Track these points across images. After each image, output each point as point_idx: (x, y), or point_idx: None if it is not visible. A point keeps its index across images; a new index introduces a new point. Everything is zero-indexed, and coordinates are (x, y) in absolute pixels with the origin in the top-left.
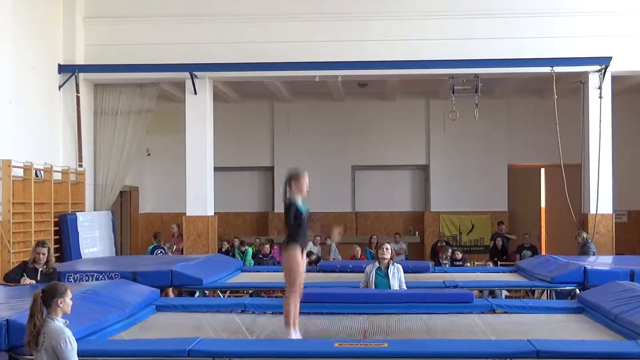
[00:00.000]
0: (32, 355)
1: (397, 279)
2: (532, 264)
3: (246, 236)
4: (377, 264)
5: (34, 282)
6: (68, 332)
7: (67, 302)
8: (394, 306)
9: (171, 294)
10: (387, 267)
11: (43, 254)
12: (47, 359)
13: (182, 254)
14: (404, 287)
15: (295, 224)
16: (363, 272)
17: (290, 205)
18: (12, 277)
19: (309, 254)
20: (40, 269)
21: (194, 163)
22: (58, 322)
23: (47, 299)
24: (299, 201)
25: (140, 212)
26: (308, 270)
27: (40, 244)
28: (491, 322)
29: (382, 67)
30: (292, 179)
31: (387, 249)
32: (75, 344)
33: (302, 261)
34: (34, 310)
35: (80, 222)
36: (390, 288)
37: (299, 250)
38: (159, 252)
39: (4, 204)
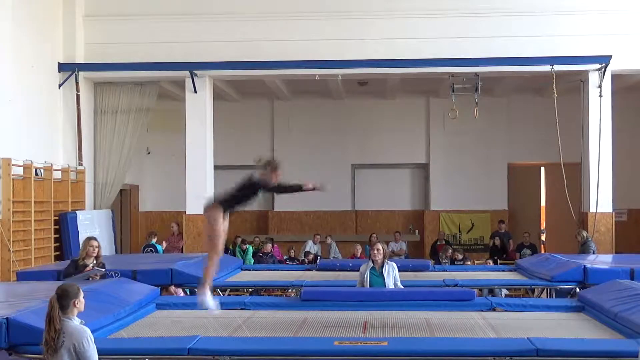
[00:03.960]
0: (40, 355)
1: (392, 277)
2: (532, 262)
3: (246, 235)
4: (371, 264)
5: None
6: (88, 332)
7: (81, 300)
8: (395, 304)
9: (176, 292)
10: (382, 266)
11: (97, 247)
12: (67, 358)
13: (182, 252)
14: (400, 285)
15: (239, 194)
16: None
17: (251, 181)
18: (71, 272)
19: (307, 253)
20: (90, 264)
21: (194, 161)
22: (76, 322)
23: (63, 301)
24: (263, 184)
25: (140, 210)
26: (307, 269)
27: (91, 238)
28: (491, 320)
29: (382, 65)
30: (273, 167)
31: (378, 249)
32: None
33: (223, 225)
34: (53, 315)
35: (80, 221)
36: (385, 287)
37: (221, 213)
38: (147, 250)
39: (4, 203)
